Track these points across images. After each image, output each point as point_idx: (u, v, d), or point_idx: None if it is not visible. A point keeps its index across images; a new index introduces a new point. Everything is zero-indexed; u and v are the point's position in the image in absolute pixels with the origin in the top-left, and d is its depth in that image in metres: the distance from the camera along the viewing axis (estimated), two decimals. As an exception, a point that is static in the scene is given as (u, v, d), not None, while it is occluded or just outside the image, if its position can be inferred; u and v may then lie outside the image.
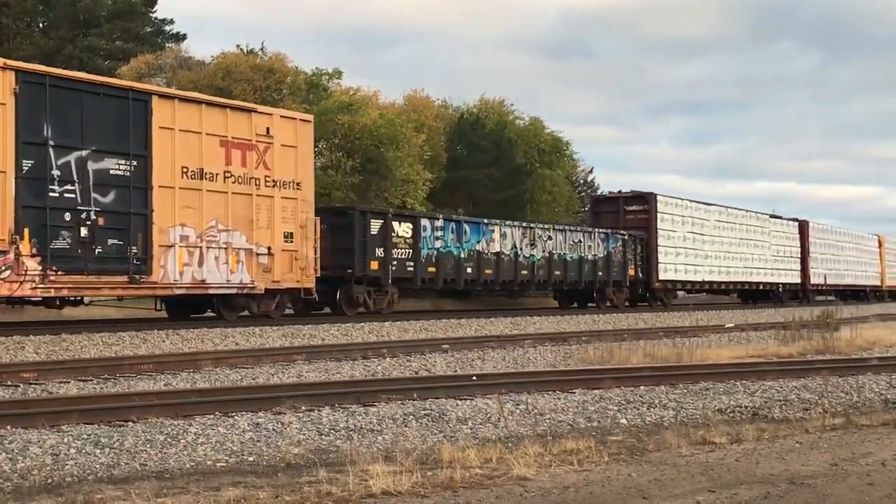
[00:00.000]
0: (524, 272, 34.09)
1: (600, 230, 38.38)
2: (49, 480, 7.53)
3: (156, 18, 55.74)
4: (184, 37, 55.07)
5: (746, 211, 48.73)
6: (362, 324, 24.31)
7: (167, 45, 52.74)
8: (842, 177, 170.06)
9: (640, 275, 39.89)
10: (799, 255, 53.21)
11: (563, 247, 35.94)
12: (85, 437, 9.04)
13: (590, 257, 37.17)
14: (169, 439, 9.02)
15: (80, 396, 11.83)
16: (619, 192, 42.97)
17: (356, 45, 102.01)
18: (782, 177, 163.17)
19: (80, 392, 12.77)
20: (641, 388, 12.92)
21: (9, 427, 9.36)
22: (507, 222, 34.21)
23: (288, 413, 10.44)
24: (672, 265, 41.22)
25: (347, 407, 11.00)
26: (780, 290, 50.97)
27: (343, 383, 13.27)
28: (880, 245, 65.73)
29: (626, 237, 39.20)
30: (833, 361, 16.09)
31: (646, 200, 40.99)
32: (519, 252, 33.71)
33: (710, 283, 44.66)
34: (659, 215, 40.66)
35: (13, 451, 8.35)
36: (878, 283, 64.79)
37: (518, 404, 11.32)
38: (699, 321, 31.41)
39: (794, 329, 21.64)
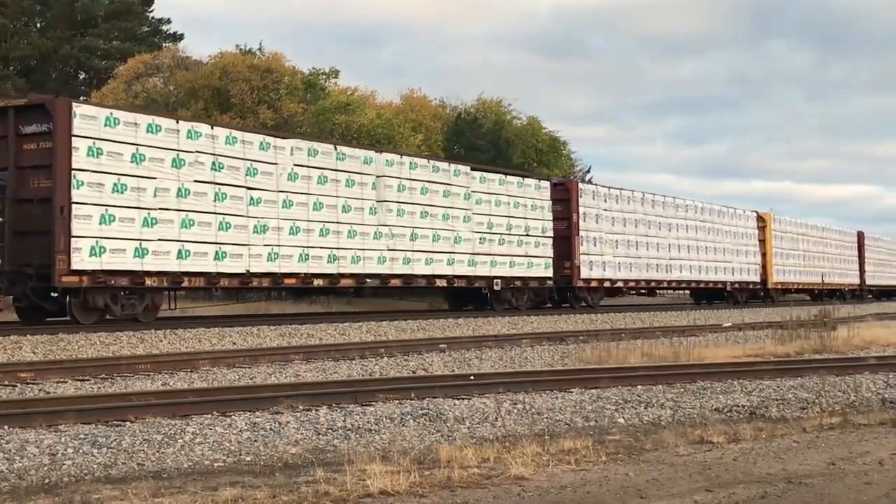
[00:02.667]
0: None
1: None
2: (46, 480, 7.52)
3: (153, 18, 55.76)
4: (181, 36, 55.16)
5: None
6: (360, 323, 24.30)
7: (164, 44, 52.73)
8: (838, 176, 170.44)
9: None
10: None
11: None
12: (82, 436, 9.03)
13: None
14: (166, 439, 9.02)
15: (78, 396, 11.82)
16: None
17: (346, 44, 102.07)
18: (778, 176, 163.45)
19: (77, 392, 12.77)
20: (639, 387, 12.93)
21: (6, 427, 9.35)
22: None
23: (285, 413, 10.43)
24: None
25: (345, 406, 11.00)
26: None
27: (340, 383, 13.26)
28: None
29: None
30: (830, 361, 16.10)
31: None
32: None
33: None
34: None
35: (10, 450, 8.34)
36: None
37: (515, 404, 11.32)
38: (696, 321, 31.44)
39: (791, 328, 21.66)
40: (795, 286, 53.58)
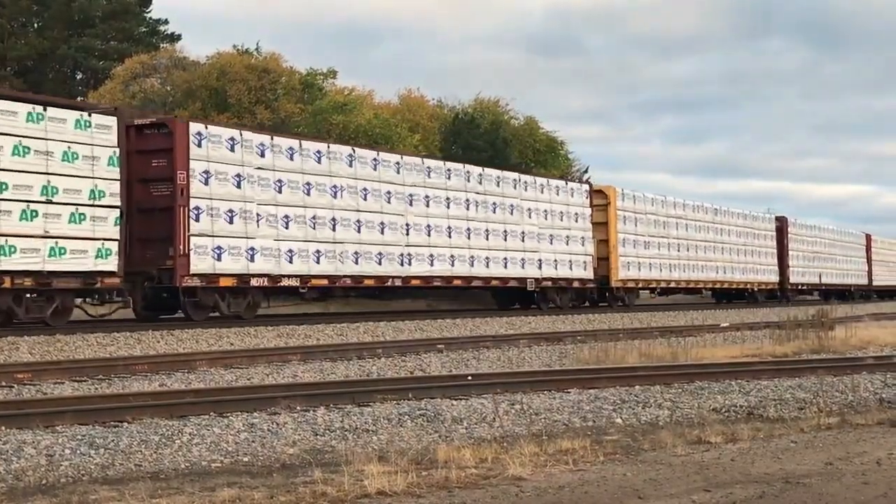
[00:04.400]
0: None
1: None
2: (44, 481, 7.52)
3: (150, 19, 55.74)
4: (178, 37, 55.13)
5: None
6: (357, 324, 24.30)
7: (162, 45, 52.71)
8: (835, 175, 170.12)
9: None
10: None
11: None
12: (80, 437, 9.03)
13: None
14: (164, 440, 9.01)
15: (75, 397, 11.82)
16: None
17: (342, 43, 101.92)
18: (774, 175, 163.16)
19: (74, 392, 12.76)
20: (637, 387, 12.93)
21: (3, 428, 9.34)
22: None
23: (283, 413, 10.42)
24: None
25: (343, 407, 10.99)
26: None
27: (338, 383, 13.27)
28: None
29: None
30: (828, 361, 16.10)
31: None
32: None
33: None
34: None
35: (8, 451, 8.33)
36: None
37: (513, 404, 11.31)
38: (694, 320, 31.44)
39: (789, 328, 21.66)
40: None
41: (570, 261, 35.09)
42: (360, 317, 26.92)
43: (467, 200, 30.82)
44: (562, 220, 34.92)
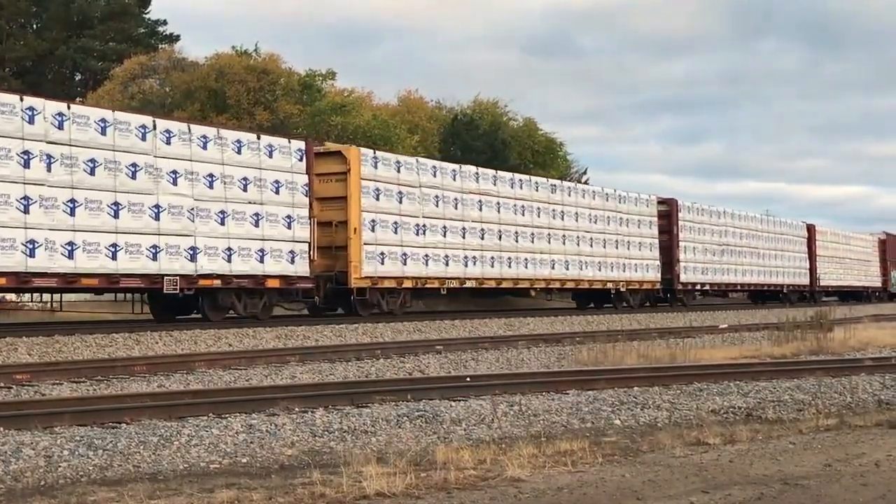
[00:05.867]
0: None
1: None
2: (42, 482, 7.51)
3: (149, 19, 55.77)
4: (177, 38, 55.17)
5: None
6: (356, 325, 24.30)
7: (161, 46, 52.71)
8: (832, 176, 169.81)
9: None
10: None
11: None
12: (78, 438, 9.02)
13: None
14: (162, 441, 9.01)
15: (74, 398, 11.81)
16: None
17: (342, 44, 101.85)
18: (772, 176, 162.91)
19: (73, 394, 12.75)
20: (635, 388, 12.93)
21: (2, 429, 9.33)
22: None
23: (281, 414, 10.42)
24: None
25: (341, 408, 10.99)
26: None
27: (337, 384, 13.28)
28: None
29: None
30: (827, 362, 16.11)
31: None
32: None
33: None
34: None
35: (6, 452, 8.32)
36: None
37: (512, 405, 11.32)
38: (693, 322, 31.47)
39: (787, 330, 21.68)
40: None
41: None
42: (359, 317, 26.85)
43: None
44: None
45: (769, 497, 6.87)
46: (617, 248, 37.70)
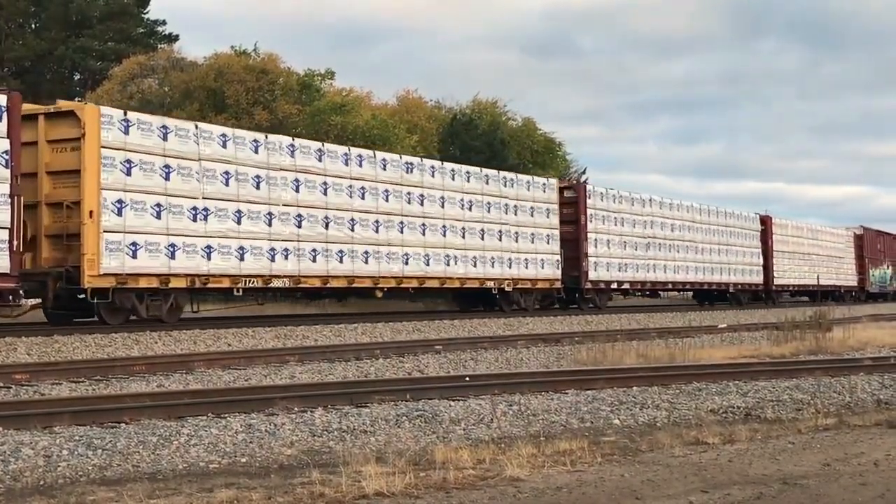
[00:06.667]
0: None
1: None
2: (41, 482, 7.52)
3: (148, 19, 55.75)
4: (176, 37, 55.14)
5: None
6: (355, 325, 24.30)
7: (160, 45, 52.70)
8: (831, 176, 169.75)
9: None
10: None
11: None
12: (77, 438, 9.02)
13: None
14: (161, 441, 9.01)
15: (73, 398, 11.80)
16: None
17: (335, 43, 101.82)
18: (770, 176, 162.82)
19: (72, 393, 12.75)
20: (634, 388, 12.93)
21: (1, 428, 9.33)
22: None
23: (281, 414, 10.43)
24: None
25: (340, 408, 10.99)
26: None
27: (336, 384, 13.28)
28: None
29: None
30: (825, 362, 16.11)
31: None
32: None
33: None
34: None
35: (5, 452, 8.32)
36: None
37: (511, 405, 11.32)
38: (692, 322, 31.45)
39: (786, 329, 21.69)
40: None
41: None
42: (358, 318, 26.86)
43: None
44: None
45: (768, 496, 6.87)
46: (500, 240, 32.33)
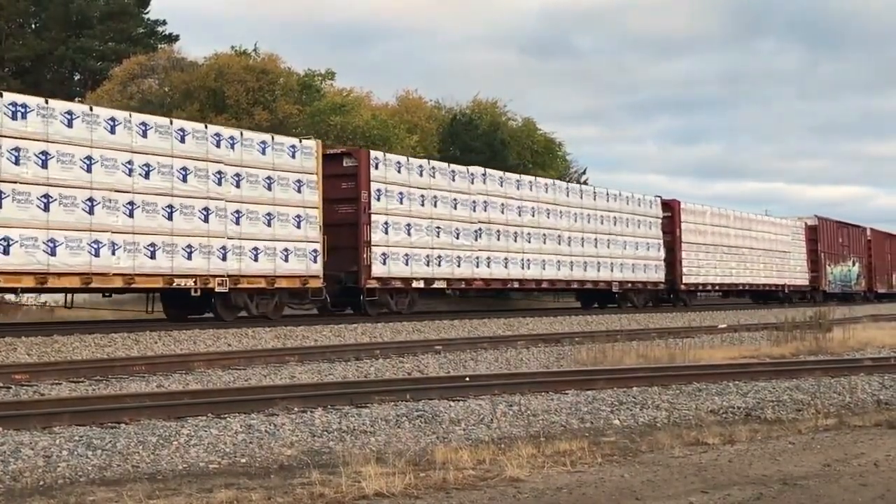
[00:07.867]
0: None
1: None
2: (41, 482, 7.51)
3: (148, 19, 55.73)
4: (176, 38, 55.09)
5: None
6: (355, 325, 24.30)
7: (160, 45, 52.68)
8: (830, 176, 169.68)
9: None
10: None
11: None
12: (77, 438, 9.02)
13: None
14: (161, 441, 9.01)
15: (72, 398, 11.80)
16: None
17: (335, 43, 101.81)
18: (770, 176, 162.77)
19: (72, 393, 12.75)
20: (634, 388, 12.93)
21: (1, 429, 9.33)
22: None
23: (280, 414, 10.43)
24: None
25: (340, 408, 10.99)
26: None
27: (336, 384, 13.27)
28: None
29: None
30: (826, 362, 16.12)
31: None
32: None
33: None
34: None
35: (5, 452, 8.32)
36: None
37: (511, 405, 11.32)
38: (692, 322, 31.46)
39: (786, 330, 21.69)
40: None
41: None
42: (357, 317, 26.84)
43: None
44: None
45: (768, 497, 6.87)
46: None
